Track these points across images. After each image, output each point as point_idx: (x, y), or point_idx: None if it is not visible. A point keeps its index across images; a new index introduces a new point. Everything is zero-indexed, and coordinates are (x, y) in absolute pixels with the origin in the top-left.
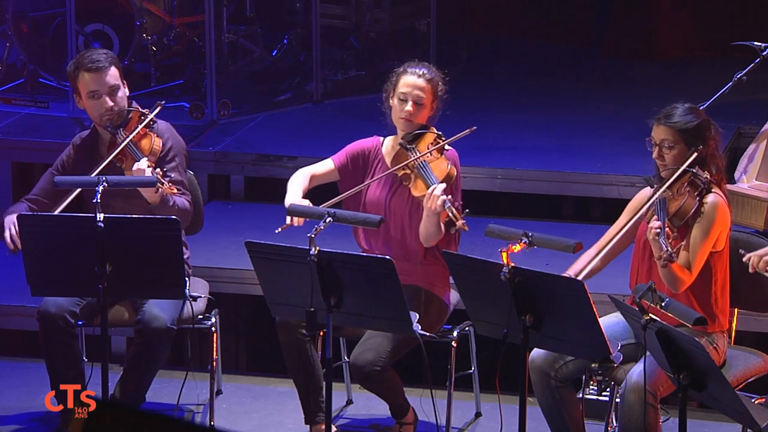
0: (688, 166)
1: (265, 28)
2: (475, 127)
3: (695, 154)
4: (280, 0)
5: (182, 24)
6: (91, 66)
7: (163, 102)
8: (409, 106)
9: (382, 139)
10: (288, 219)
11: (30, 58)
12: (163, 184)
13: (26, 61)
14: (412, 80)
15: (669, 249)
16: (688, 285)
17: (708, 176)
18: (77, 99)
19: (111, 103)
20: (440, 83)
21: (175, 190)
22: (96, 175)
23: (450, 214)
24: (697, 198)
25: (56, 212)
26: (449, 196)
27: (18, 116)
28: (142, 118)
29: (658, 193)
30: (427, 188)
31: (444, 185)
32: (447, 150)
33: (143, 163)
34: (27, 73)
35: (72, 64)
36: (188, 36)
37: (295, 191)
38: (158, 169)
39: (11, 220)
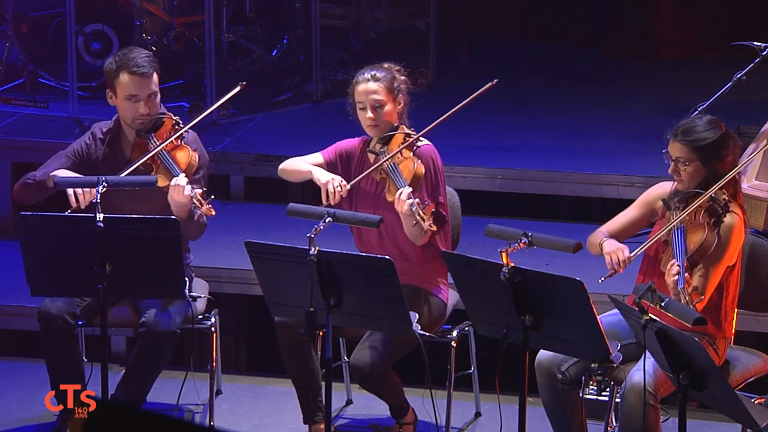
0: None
1: (265, 28)
2: (496, 80)
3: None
4: (279, 0)
5: (182, 24)
6: (135, 70)
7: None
8: (369, 113)
9: (369, 139)
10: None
11: (30, 58)
12: (202, 205)
13: (26, 61)
14: (363, 87)
15: (689, 302)
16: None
17: (726, 196)
18: (110, 95)
19: (147, 110)
20: (396, 76)
21: (213, 212)
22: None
23: (417, 217)
24: (716, 230)
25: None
26: (416, 199)
27: (18, 116)
28: (176, 127)
29: (676, 221)
30: (397, 191)
31: (410, 188)
32: (420, 146)
33: (182, 180)
34: (27, 73)
35: (113, 62)
36: (188, 36)
37: (316, 168)
38: (198, 190)
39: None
